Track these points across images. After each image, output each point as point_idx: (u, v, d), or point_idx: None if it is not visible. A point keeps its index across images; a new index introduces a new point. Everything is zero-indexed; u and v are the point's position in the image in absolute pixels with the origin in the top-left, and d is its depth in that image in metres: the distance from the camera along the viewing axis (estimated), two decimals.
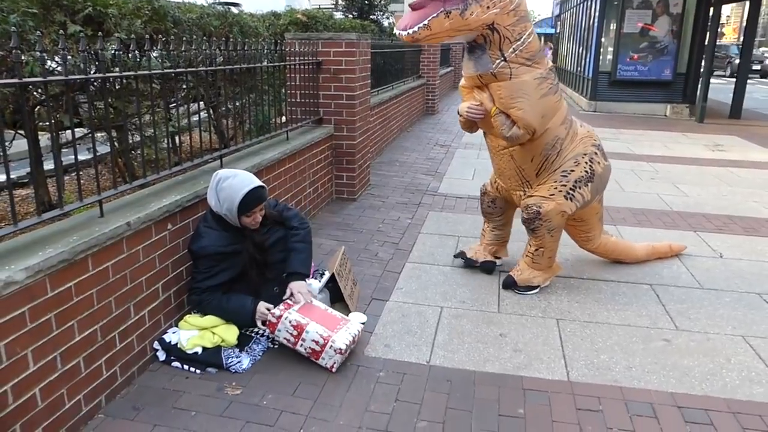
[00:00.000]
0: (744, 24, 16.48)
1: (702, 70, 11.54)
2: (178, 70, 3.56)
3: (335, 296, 3.13)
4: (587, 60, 13.71)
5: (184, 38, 4.25)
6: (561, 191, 3.26)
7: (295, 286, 2.74)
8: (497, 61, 2.90)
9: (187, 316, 2.68)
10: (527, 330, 3.00)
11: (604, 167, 3.42)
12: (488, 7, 2.78)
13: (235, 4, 9.04)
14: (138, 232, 2.39)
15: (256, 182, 2.69)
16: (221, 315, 2.67)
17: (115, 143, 4.44)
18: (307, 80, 4.86)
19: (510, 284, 3.45)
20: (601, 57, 12.74)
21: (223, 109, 5.26)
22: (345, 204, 5.20)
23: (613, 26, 12.51)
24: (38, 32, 2.92)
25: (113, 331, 2.29)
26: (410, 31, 2.70)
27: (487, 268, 3.67)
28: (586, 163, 3.31)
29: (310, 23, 6.73)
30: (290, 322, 2.59)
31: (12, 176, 2.51)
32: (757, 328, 3.05)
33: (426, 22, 2.69)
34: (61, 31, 3.00)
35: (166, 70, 3.44)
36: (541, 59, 3.03)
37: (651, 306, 3.30)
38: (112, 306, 2.27)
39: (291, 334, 2.60)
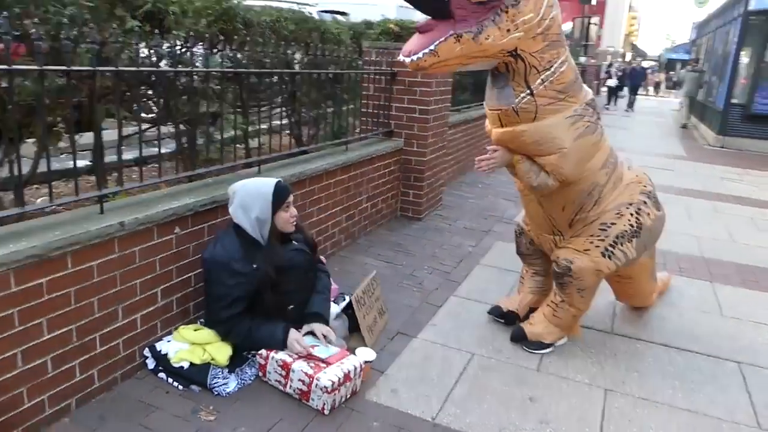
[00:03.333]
0: None
1: None
2: (232, 69, 3.52)
3: (355, 324, 2.85)
4: (719, 90, 12.33)
5: (250, 39, 4.22)
6: (599, 247, 2.73)
7: (316, 327, 2.57)
8: (522, 95, 2.41)
9: (181, 327, 2.53)
10: (564, 398, 2.53)
11: (655, 218, 2.85)
12: (508, 30, 2.25)
13: (343, 13, 9.08)
14: (135, 233, 2.28)
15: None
16: (250, 345, 2.48)
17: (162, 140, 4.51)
18: (380, 90, 4.67)
19: (519, 337, 2.94)
20: (735, 87, 11.37)
21: (302, 113, 5.20)
22: (408, 223, 4.91)
23: (753, 53, 11.12)
24: (91, 25, 2.95)
25: (93, 333, 2.19)
26: (414, 57, 2.24)
27: (511, 319, 3.12)
28: (632, 214, 2.77)
29: (403, 33, 6.53)
30: (277, 361, 2.37)
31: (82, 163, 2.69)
32: None
33: (433, 47, 2.22)
34: (115, 25, 3.03)
35: (225, 69, 3.41)
36: (576, 92, 2.52)
37: (732, 391, 2.67)
38: (94, 307, 2.17)
39: (280, 375, 2.37)
